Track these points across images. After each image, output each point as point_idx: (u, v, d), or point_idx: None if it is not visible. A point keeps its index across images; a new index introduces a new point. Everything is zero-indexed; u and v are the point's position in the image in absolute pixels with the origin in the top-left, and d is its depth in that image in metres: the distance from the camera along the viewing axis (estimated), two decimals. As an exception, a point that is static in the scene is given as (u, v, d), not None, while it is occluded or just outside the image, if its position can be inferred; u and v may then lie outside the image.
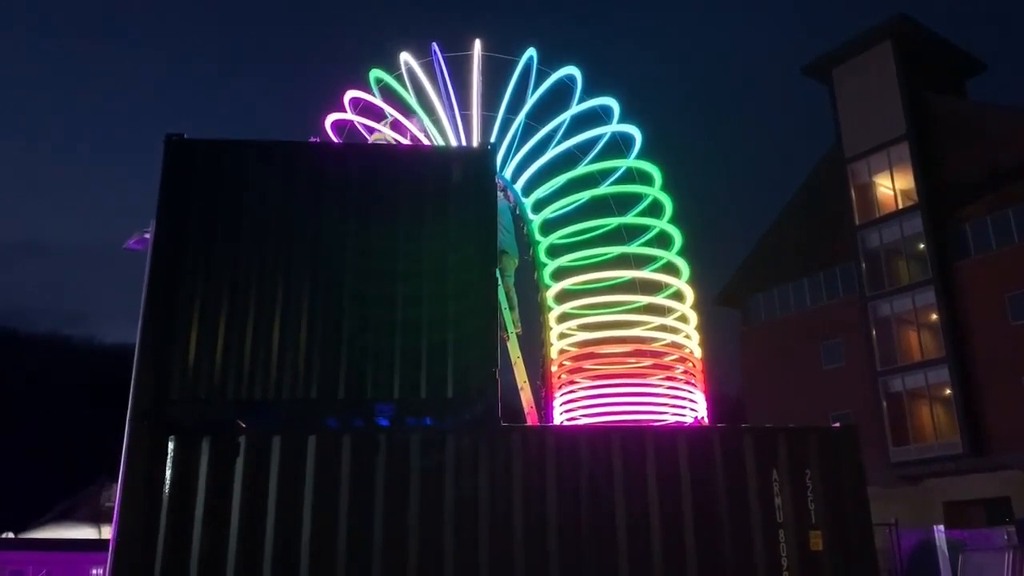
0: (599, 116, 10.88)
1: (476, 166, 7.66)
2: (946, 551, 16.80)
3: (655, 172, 10.49)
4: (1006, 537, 17.23)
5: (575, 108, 10.88)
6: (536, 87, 10.93)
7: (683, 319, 10.31)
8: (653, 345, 10.29)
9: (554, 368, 10.08)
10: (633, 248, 10.51)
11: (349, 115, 11.15)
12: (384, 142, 10.72)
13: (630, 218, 10.63)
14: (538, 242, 10.54)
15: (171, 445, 6.63)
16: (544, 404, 9.88)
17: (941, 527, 17.81)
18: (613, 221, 10.57)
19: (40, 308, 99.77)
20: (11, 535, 32.67)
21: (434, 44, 11.16)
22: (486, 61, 11.11)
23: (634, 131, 10.69)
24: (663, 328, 10.28)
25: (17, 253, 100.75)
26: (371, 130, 11.15)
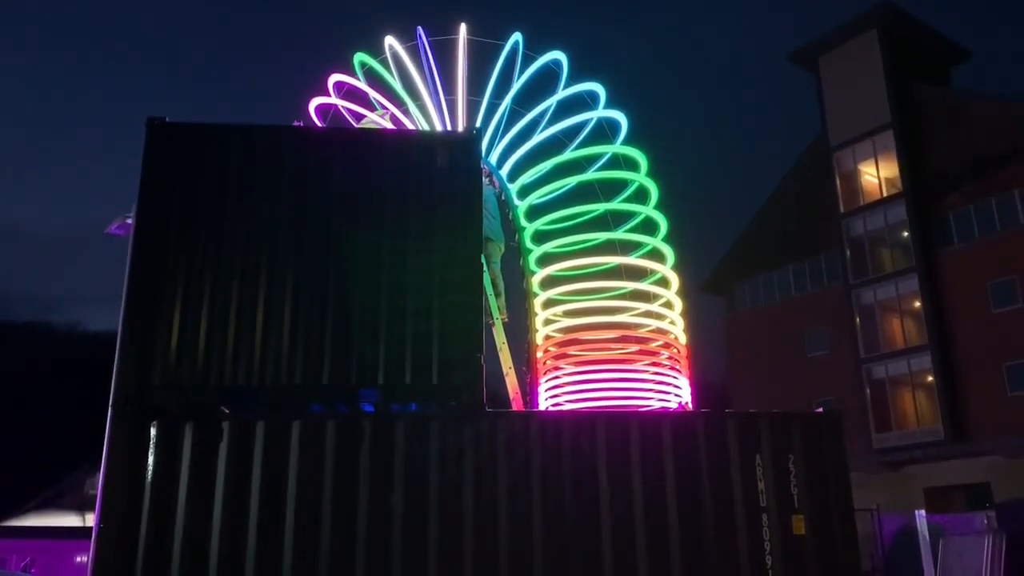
0: (585, 102, 10.85)
1: (461, 151, 7.62)
2: (927, 536, 16.97)
3: (641, 158, 10.49)
4: (986, 521, 17.41)
5: (561, 93, 10.86)
6: (522, 72, 10.89)
7: (668, 305, 10.33)
8: (638, 331, 10.31)
9: (539, 354, 10.09)
10: (619, 234, 10.52)
11: (333, 99, 11.07)
12: (371, 127, 10.65)
13: (616, 204, 10.63)
14: (524, 228, 10.52)
15: (154, 431, 6.58)
16: (529, 390, 9.90)
17: (922, 512, 17.98)
18: (599, 207, 10.57)
19: (20, 294, 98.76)
20: (-6, 523, 32.47)
21: (419, 28, 11.10)
22: (472, 45, 11.05)
23: (620, 117, 10.68)
24: (648, 314, 10.30)
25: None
26: (355, 114, 11.09)
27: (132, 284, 6.90)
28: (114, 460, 6.49)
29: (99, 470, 6.65)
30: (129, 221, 7.42)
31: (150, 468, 6.50)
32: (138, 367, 6.69)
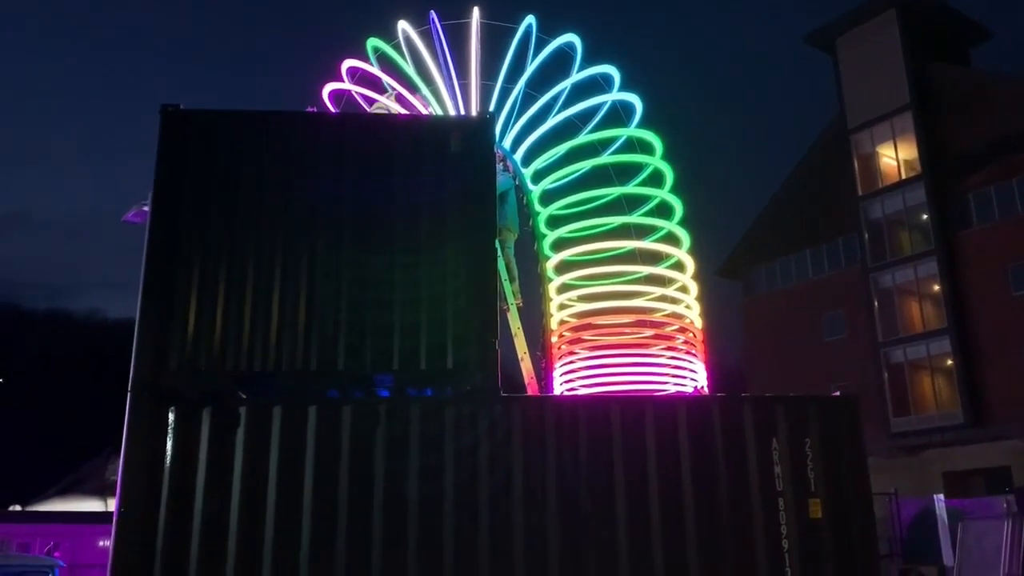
0: (599, 85, 10.78)
1: (475, 135, 7.59)
2: (946, 520, 16.88)
3: (656, 141, 10.42)
4: (1005, 506, 17.26)
5: (575, 76, 10.79)
6: (535, 55, 10.82)
7: (684, 289, 10.29)
8: (654, 315, 10.28)
9: (554, 339, 10.08)
10: (634, 218, 10.47)
11: (346, 85, 11.06)
12: (382, 111, 10.64)
13: (631, 188, 10.57)
14: (538, 213, 10.49)
15: (171, 416, 6.63)
16: (544, 375, 9.90)
17: (941, 496, 17.90)
18: (614, 191, 10.52)
19: (37, 282, 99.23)
20: (18, 508, 32.93)
21: (432, 12, 11.05)
22: (485, 29, 10.99)
23: (635, 100, 10.60)
24: (664, 298, 10.26)
25: (7, 225, 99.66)
26: (368, 99, 11.07)
27: (149, 270, 6.93)
28: (133, 445, 6.55)
29: (119, 456, 6.71)
30: (145, 208, 7.46)
31: (168, 453, 6.56)
32: (155, 352, 6.73)
